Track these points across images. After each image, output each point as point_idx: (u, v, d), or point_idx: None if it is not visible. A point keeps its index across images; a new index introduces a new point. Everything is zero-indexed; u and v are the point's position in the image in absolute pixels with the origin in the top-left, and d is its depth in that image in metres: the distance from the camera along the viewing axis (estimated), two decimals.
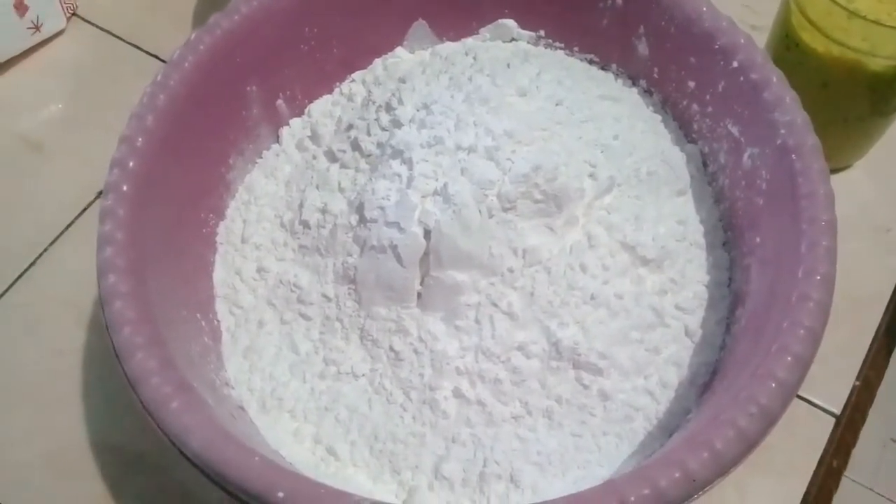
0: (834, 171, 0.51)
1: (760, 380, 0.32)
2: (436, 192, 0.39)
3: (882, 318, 0.48)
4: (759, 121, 0.39)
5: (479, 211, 0.38)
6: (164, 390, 0.32)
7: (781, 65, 0.40)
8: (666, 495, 0.29)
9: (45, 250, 0.51)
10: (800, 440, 0.44)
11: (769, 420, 0.31)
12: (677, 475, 0.30)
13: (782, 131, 0.38)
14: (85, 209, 0.52)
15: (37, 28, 0.58)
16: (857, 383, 0.46)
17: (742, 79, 0.40)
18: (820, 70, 0.46)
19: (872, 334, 0.48)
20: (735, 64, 0.40)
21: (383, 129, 0.42)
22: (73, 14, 0.61)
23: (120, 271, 0.34)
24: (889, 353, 0.48)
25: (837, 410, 0.45)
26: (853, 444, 0.45)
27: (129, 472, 0.44)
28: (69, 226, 0.52)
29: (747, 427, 0.31)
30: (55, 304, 0.49)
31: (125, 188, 0.37)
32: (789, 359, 0.32)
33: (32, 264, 0.50)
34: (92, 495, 0.43)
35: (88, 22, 0.61)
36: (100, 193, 0.51)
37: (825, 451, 0.44)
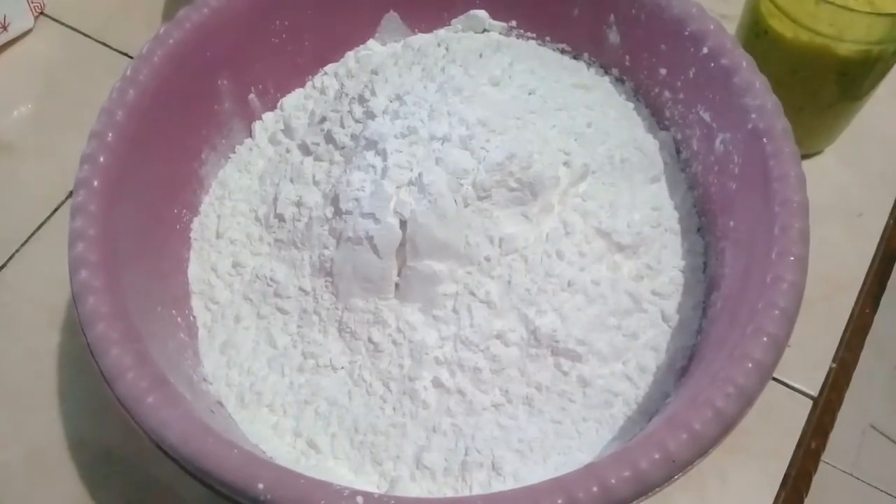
0: (805, 156, 0.52)
1: (737, 361, 0.32)
2: (411, 183, 0.39)
3: (856, 301, 0.49)
4: (730, 106, 0.39)
5: (455, 200, 0.38)
6: (140, 385, 0.32)
7: (751, 52, 0.40)
8: (647, 476, 0.29)
9: (17, 251, 0.50)
10: (778, 423, 0.45)
11: (746, 400, 0.31)
12: (657, 456, 0.30)
13: (753, 115, 0.38)
14: (56, 209, 0.51)
15: (4, 28, 0.57)
16: (834, 366, 0.47)
17: (712, 64, 0.40)
18: (789, 56, 0.47)
19: (847, 317, 0.48)
20: (705, 50, 0.40)
21: (357, 120, 0.42)
22: (41, 13, 0.60)
23: (92, 267, 0.34)
24: (864, 336, 0.49)
25: (815, 393, 0.46)
26: (831, 426, 0.46)
27: (109, 471, 0.43)
28: (41, 226, 0.51)
29: (725, 407, 0.31)
30: (28, 304, 0.48)
31: (96, 184, 0.36)
32: (765, 339, 0.32)
33: (4, 265, 0.50)
34: (71, 495, 0.42)
35: (56, 21, 0.60)
36: (71, 193, 0.51)
37: (803, 433, 0.45)
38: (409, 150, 0.39)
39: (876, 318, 0.50)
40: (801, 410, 0.45)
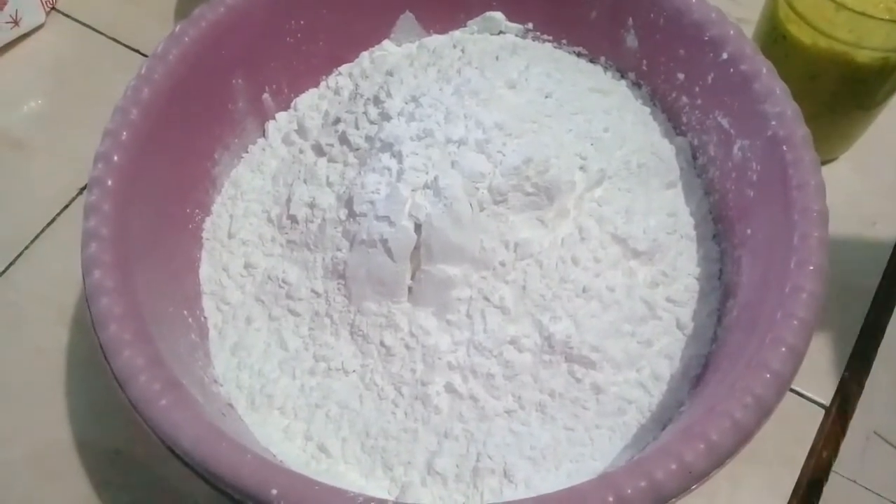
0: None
1: (755, 371, 0.32)
2: (426, 186, 0.38)
3: (869, 310, 0.49)
4: (749, 112, 0.39)
5: (471, 204, 0.38)
6: (153, 388, 0.31)
7: (769, 57, 0.40)
8: (663, 488, 0.29)
9: (27, 248, 0.50)
10: (790, 431, 0.44)
11: (764, 411, 0.31)
12: (674, 467, 0.29)
13: (773, 122, 0.38)
14: (66, 206, 0.51)
15: (15, 22, 0.57)
16: (846, 374, 0.46)
17: (732, 70, 0.40)
18: (807, 62, 0.46)
19: (860, 326, 0.48)
20: (725, 55, 0.40)
21: (372, 122, 0.42)
22: (53, 8, 0.60)
23: (106, 267, 0.34)
24: (877, 345, 0.48)
25: (827, 402, 0.46)
26: (843, 434, 0.45)
27: (115, 470, 0.43)
28: (50, 223, 0.51)
29: (743, 418, 0.30)
30: (37, 302, 0.48)
31: (110, 183, 0.36)
32: (783, 350, 0.32)
33: (13, 263, 0.49)
34: (77, 495, 0.42)
35: (68, 16, 0.60)
36: (81, 190, 0.51)
37: (815, 441, 0.44)
38: (424, 152, 0.39)
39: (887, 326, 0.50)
40: (812, 419, 0.45)
